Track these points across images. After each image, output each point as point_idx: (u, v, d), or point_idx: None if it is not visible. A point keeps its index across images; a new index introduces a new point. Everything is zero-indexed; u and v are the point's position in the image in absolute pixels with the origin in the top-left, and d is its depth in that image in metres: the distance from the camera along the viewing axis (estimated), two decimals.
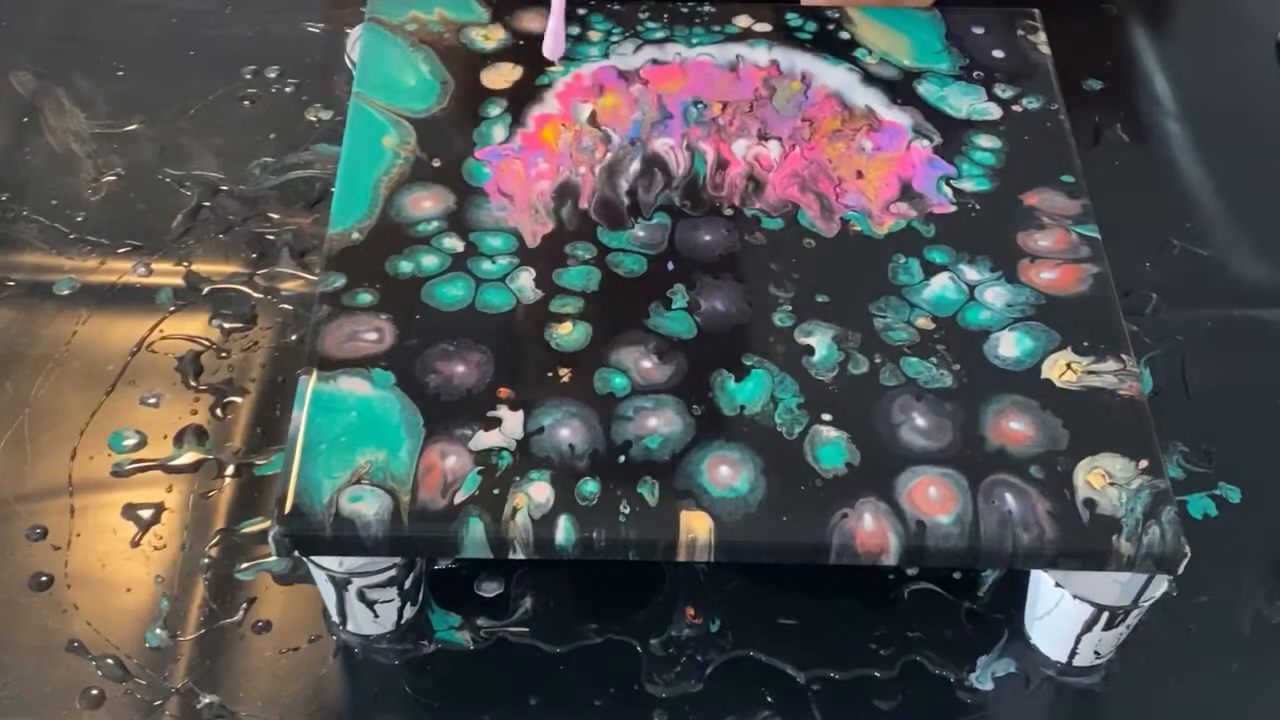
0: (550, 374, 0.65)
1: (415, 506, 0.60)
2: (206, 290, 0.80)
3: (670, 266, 0.70)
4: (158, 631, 0.67)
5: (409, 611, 0.67)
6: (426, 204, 0.72)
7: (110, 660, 0.66)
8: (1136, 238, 0.85)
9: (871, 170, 0.74)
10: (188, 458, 0.73)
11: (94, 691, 0.65)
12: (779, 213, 0.72)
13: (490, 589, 0.69)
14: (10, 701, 0.65)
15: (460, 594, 0.69)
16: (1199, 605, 0.70)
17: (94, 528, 0.70)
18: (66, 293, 0.80)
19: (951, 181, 0.74)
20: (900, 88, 0.79)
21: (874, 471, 0.62)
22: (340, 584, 0.65)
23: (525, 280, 0.69)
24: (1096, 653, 0.67)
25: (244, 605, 0.68)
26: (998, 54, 0.81)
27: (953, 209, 0.72)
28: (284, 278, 0.81)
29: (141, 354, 0.77)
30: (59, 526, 0.70)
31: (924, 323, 0.68)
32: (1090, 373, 0.66)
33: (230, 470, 0.73)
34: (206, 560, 0.69)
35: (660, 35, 0.81)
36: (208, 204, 0.85)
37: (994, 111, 0.78)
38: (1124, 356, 0.67)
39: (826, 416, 0.64)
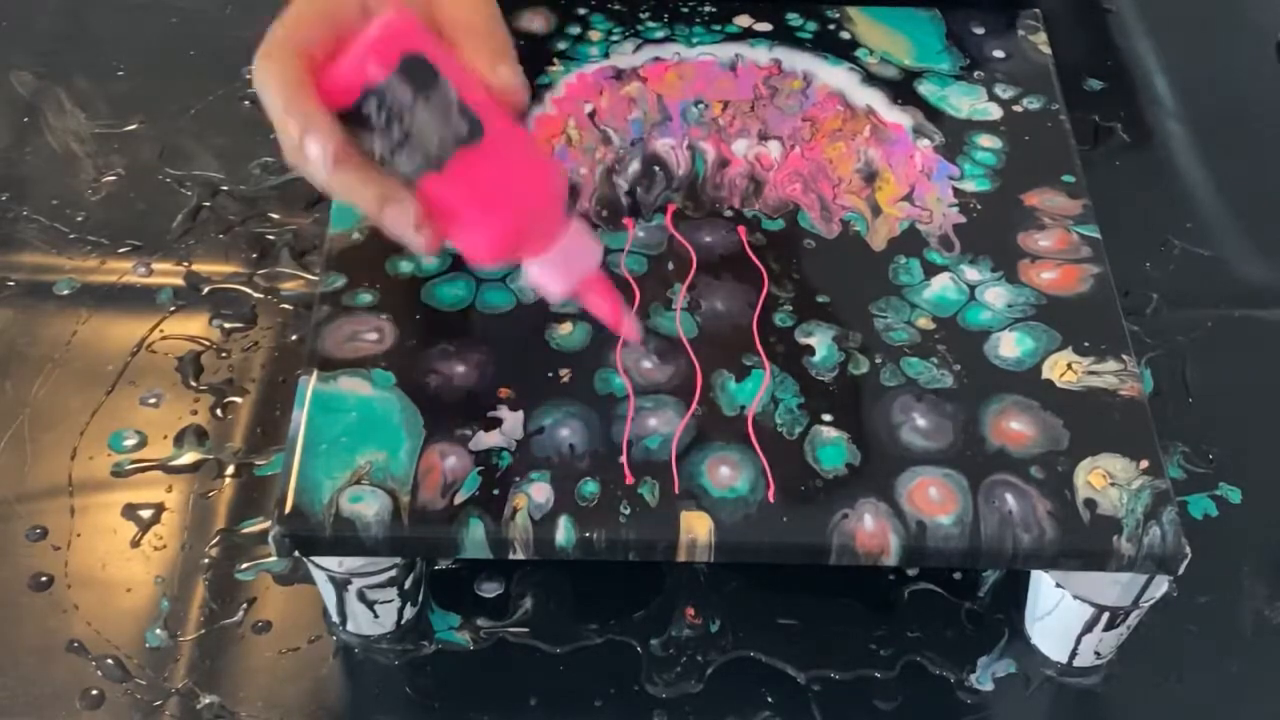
0: (550, 374, 0.65)
1: (415, 507, 0.60)
2: (207, 290, 0.80)
3: (670, 266, 0.70)
4: (158, 631, 0.67)
5: (409, 612, 0.67)
6: None
7: (110, 660, 0.66)
8: (1136, 238, 0.85)
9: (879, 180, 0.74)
10: (188, 458, 0.73)
11: (94, 691, 0.65)
12: (779, 213, 0.72)
13: (490, 589, 0.69)
14: (10, 701, 0.65)
15: (460, 594, 0.69)
16: (1199, 605, 0.70)
17: (94, 528, 0.70)
18: (66, 293, 0.80)
19: (955, 182, 0.74)
20: (901, 88, 0.79)
21: (874, 472, 0.62)
22: (340, 584, 0.64)
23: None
24: (1097, 653, 0.67)
25: (244, 605, 0.68)
26: (998, 54, 0.81)
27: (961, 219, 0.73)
28: (284, 278, 0.81)
29: (141, 354, 0.77)
30: (59, 526, 0.70)
31: (924, 323, 0.68)
32: (1091, 373, 0.66)
33: (230, 470, 0.73)
34: (206, 560, 0.69)
35: (660, 35, 0.81)
36: (208, 204, 0.84)
37: (995, 111, 0.78)
38: (1124, 357, 0.67)
39: (827, 417, 0.64)
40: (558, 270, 0.59)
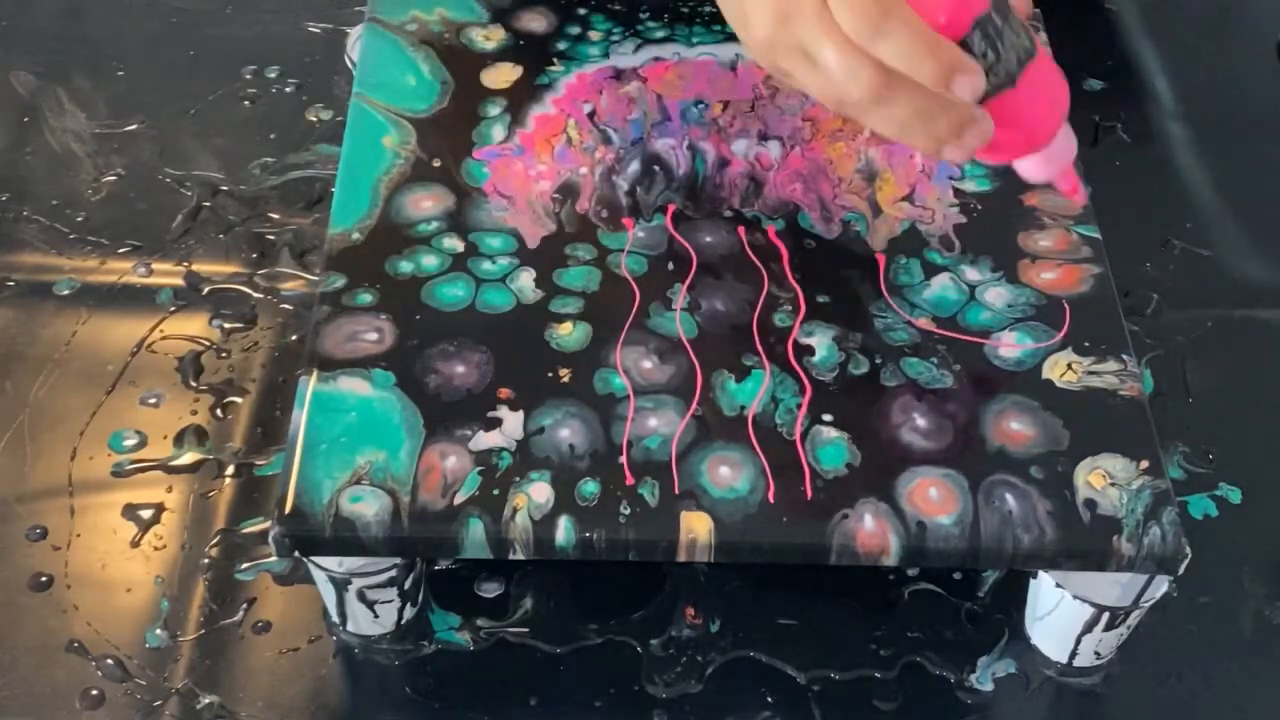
0: (550, 374, 0.65)
1: (415, 507, 0.60)
2: (207, 290, 0.80)
3: (670, 266, 0.70)
4: (158, 632, 0.67)
5: (409, 612, 0.67)
6: (426, 204, 0.72)
7: (110, 660, 0.66)
8: (1136, 238, 0.85)
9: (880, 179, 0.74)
10: (188, 458, 0.73)
11: (94, 692, 0.65)
12: (779, 213, 0.72)
13: (490, 589, 0.69)
14: (10, 701, 0.65)
15: (460, 594, 0.69)
16: (1199, 605, 0.70)
17: (94, 528, 0.70)
18: (66, 293, 0.80)
19: (954, 181, 0.74)
20: None
21: (874, 472, 0.62)
22: (340, 584, 0.64)
23: (525, 280, 0.69)
24: (1097, 653, 0.67)
25: (244, 605, 0.68)
26: None
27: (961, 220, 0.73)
28: (284, 278, 0.81)
29: (141, 354, 0.77)
30: (59, 526, 0.70)
31: (924, 323, 0.68)
32: (1091, 373, 0.66)
33: (230, 470, 0.73)
34: (206, 560, 0.69)
35: (660, 35, 0.81)
36: (208, 204, 0.84)
37: None
38: (1124, 357, 0.67)
39: (827, 417, 0.64)
40: (1051, 161, 0.63)
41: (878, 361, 0.66)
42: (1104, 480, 0.62)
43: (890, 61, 0.56)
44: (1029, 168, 0.64)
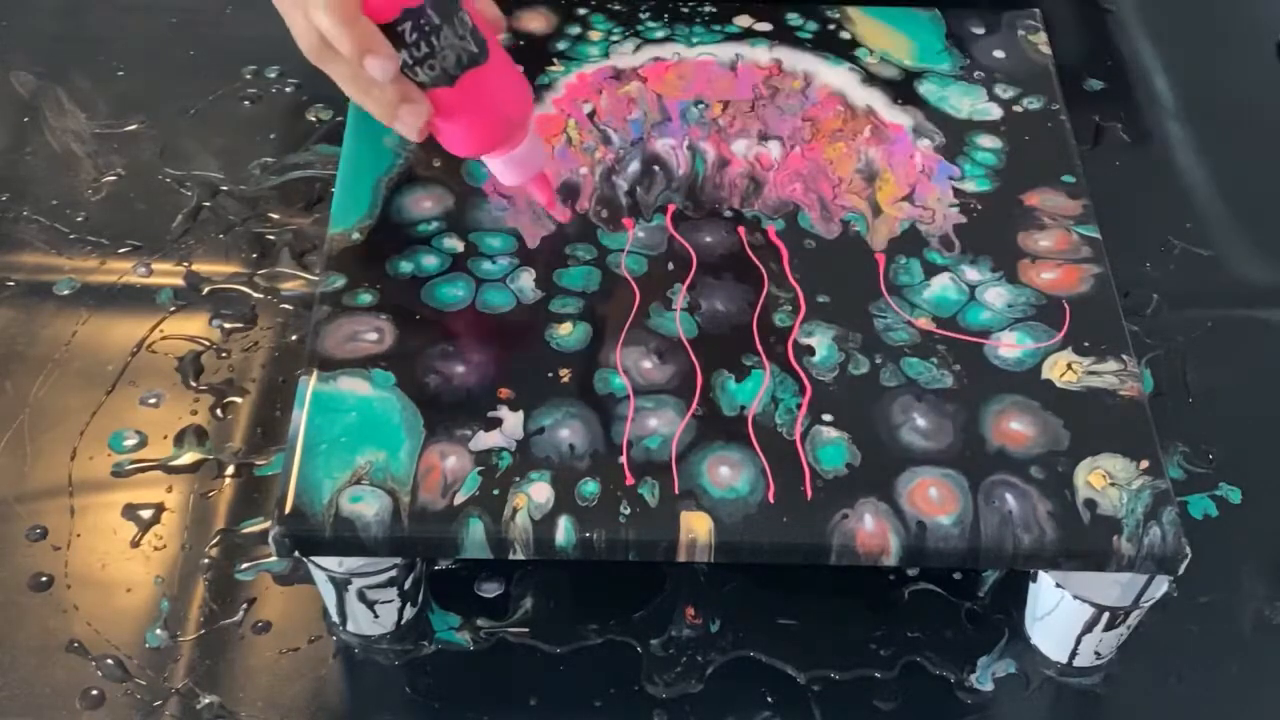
0: (550, 374, 0.65)
1: (415, 507, 0.60)
2: (207, 290, 0.80)
3: (670, 267, 0.70)
4: (158, 632, 0.67)
5: (409, 612, 0.67)
6: (426, 204, 0.72)
7: (110, 660, 0.66)
8: (1136, 238, 0.85)
9: (880, 179, 0.74)
10: (188, 458, 0.73)
11: (94, 692, 0.65)
12: (779, 213, 0.72)
13: (490, 589, 0.69)
14: (10, 701, 0.65)
15: (460, 594, 0.69)
16: (1199, 605, 0.70)
17: (94, 528, 0.70)
18: (66, 293, 0.80)
19: (955, 182, 0.74)
20: (901, 88, 0.79)
21: (874, 472, 0.62)
22: (340, 584, 0.64)
23: (525, 280, 0.69)
24: (1097, 653, 0.67)
25: (244, 605, 0.68)
26: (998, 54, 0.81)
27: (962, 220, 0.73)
28: (284, 278, 0.81)
29: (142, 354, 0.77)
30: (59, 526, 0.70)
31: (924, 323, 0.68)
32: (1091, 373, 0.66)
33: (230, 470, 0.72)
34: (206, 560, 0.69)
35: (660, 35, 0.81)
36: (208, 204, 0.84)
37: (995, 112, 0.78)
38: (1125, 357, 0.67)
39: (827, 417, 0.64)
40: (517, 166, 0.68)
41: (878, 361, 0.66)
42: (1104, 480, 0.62)
43: (321, 30, 0.61)
44: (496, 169, 0.68)
